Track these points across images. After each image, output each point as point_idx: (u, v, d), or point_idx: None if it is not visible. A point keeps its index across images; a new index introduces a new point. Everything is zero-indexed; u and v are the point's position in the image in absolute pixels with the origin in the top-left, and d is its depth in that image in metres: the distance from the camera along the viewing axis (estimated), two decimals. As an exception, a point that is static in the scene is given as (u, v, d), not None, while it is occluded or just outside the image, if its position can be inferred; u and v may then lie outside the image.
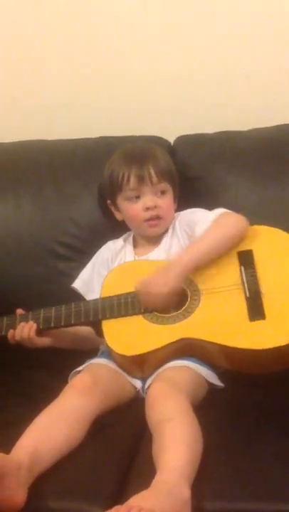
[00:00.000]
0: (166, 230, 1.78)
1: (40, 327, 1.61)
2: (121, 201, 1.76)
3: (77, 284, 1.80)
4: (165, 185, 1.75)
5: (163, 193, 1.74)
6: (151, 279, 1.57)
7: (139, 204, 1.73)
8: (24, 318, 1.62)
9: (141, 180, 1.71)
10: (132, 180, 1.71)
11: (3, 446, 1.27)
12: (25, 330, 1.59)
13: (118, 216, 1.81)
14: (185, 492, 1.18)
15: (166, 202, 1.75)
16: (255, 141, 1.93)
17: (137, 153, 1.77)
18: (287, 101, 2.04)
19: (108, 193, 1.80)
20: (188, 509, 1.17)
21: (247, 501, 1.22)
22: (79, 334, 1.71)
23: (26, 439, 1.31)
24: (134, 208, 1.73)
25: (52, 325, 1.61)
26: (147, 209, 1.72)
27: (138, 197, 1.73)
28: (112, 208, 1.82)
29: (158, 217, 1.74)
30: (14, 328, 1.61)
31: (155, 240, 1.78)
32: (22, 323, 1.60)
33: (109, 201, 1.81)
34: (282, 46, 2.03)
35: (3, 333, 1.62)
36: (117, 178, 1.74)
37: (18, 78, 2.12)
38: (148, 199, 1.72)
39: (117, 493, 1.23)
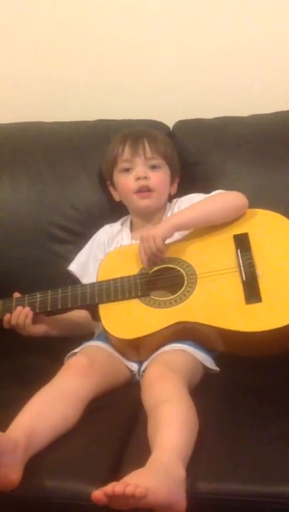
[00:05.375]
0: (165, 215, 1.78)
1: (37, 311, 1.60)
2: (116, 175, 1.77)
3: (73, 267, 1.80)
4: (159, 161, 1.75)
5: (156, 167, 1.75)
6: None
7: (130, 175, 1.74)
8: (21, 302, 1.61)
9: (134, 151, 1.73)
10: (126, 150, 1.74)
11: (-1, 426, 1.27)
12: (21, 316, 1.58)
13: (116, 196, 1.82)
14: (180, 472, 1.19)
15: (159, 176, 1.75)
16: (254, 127, 1.93)
17: (136, 131, 1.80)
18: (286, 87, 2.03)
19: (107, 172, 1.81)
20: (183, 489, 1.17)
21: (241, 482, 1.22)
22: (73, 321, 1.70)
23: (22, 418, 1.31)
24: (125, 179, 1.74)
25: (48, 309, 1.61)
26: (138, 179, 1.72)
27: (131, 169, 1.74)
28: (111, 189, 1.82)
29: (148, 189, 1.74)
30: (11, 312, 1.60)
31: (153, 224, 1.77)
32: (19, 308, 1.59)
33: (108, 182, 1.82)
34: (281, 32, 2.02)
35: (-1, 316, 1.62)
36: (112, 151, 1.77)
37: (17, 60, 2.11)
38: (139, 169, 1.73)
39: (112, 473, 1.23)
